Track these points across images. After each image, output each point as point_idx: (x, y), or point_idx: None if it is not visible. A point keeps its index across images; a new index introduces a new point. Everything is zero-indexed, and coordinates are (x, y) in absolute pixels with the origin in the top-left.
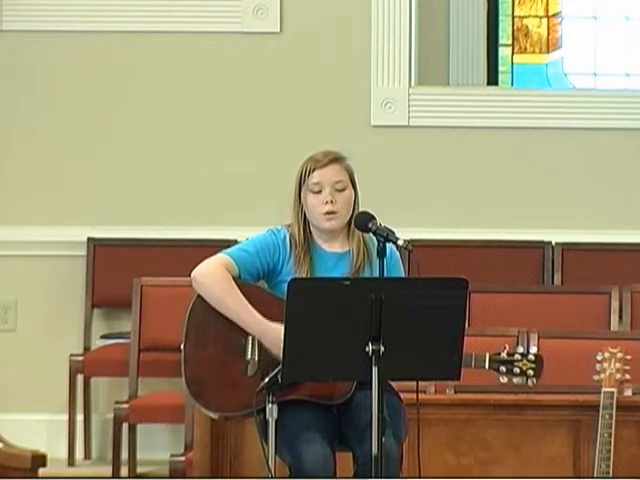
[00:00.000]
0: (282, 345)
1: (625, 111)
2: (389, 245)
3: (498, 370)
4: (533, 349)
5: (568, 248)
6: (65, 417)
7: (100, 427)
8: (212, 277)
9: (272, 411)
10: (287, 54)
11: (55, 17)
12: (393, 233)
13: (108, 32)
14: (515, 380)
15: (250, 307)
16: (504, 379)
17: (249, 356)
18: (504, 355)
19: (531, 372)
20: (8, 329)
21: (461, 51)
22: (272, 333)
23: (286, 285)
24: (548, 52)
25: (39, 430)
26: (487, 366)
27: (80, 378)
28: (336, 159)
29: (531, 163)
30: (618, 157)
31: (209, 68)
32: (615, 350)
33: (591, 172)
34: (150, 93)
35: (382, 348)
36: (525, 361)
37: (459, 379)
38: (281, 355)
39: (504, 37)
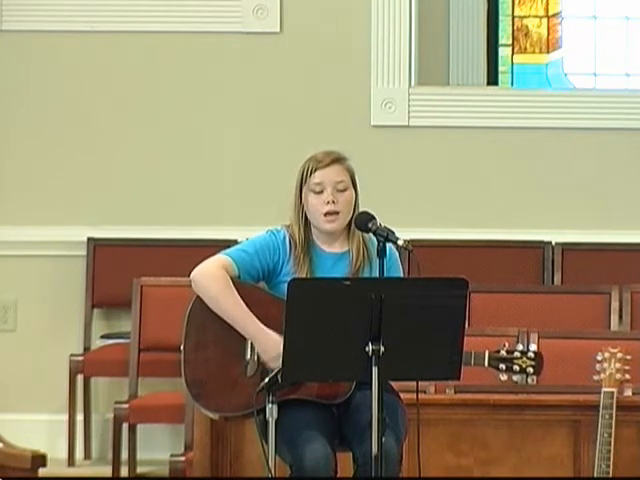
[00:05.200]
0: (274, 353)
1: (625, 111)
2: (388, 245)
3: (497, 368)
4: (533, 346)
5: (568, 248)
6: (65, 417)
7: (100, 427)
8: (210, 278)
9: (272, 411)
10: (287, 54)
11: (55, 17)
12: (393, 233)
13: (108, 32)
14: (515, 378)
15: (247, 309)
16: (504, 377)
17: (248, 356)
18: (503, 353)
19: (531, 369)
20: (8, 329)
21: (461, 51)
22: (267, 339)
23: (286, 285)
24: (548, 52)
25: (39, 430)
26: (486, 364)
27: (80, 378)
28: (338, 159)
29: (531, 163)
30: (618, 157)
31: (209, 68)
32: (615, 350)
33: (591, 172)
34: (150, 93)
35: (382, 348)
36: (525, 358)
37: (459, 379)
38: (269, 363)
39: (504, 37)
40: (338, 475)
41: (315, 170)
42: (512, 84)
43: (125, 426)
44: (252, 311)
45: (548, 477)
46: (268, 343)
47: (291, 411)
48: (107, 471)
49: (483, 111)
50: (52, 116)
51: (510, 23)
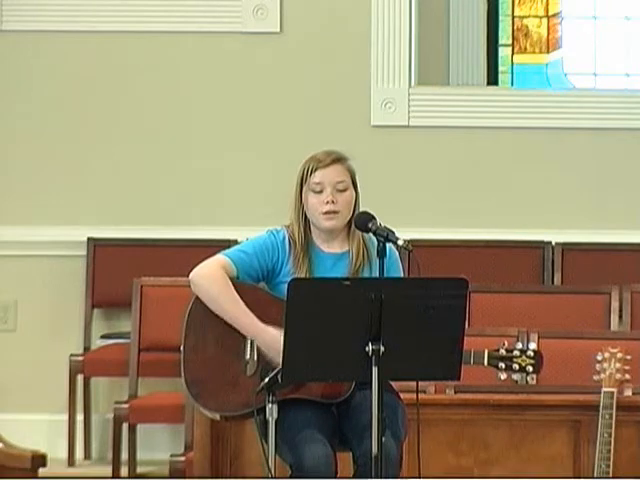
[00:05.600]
0: (278, 348)
1: (625, 111)
2: (388, 245)
3: (497, 366)
4: (532, 345)
5: (568, 248)
6: (65, 417)
7: (100, 427)
8: (209, 278)
9: (272, 411)
10: (287, 54)
11: (55, 17)
12: (393, 233)
13: (108, 32)
14: (514, 376)
15: (246, 309)
16: (503, 375)
17: (248, 356)
18: (502, 351)
19: (530, 368)
20: (8, 329)
21: (461, 51)
22: (267, 336)
23: (286, 285)
24: (548, 52)
25: (39, 430)
26: (486, 362)
27: (80, 378)
28: (338, 159)
29: (531, 163)
30: (618, 157)
31: (209, 68)
32: (615, 350)
33: (591, 172)
34: (150, 93)
35: (382, 348)
36: (524, 357)
37: (459, 379)
38: (275, 359)
39: (504, 37)
40: (338, 475)
41: (315, 170)
42: (512, 84)
43: (125, 426)
44: (252, 311)
45: (548, 477)
46: (270, 340)
47: (291, 411)
48: (107, 471)
49: (483, 111)
50: (52, 116)
51: (510, 23)
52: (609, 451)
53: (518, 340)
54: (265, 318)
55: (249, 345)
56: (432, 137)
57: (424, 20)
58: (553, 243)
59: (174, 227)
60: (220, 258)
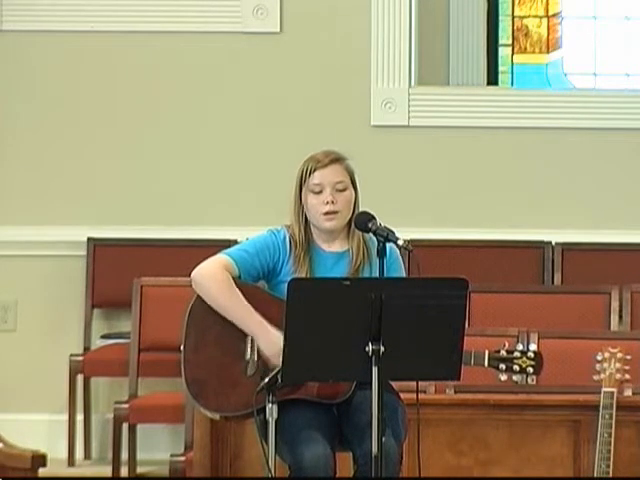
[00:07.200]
0: (276, 349)
1: (625, 111)
2: (388, 244)
3: (497, 368)
4: (532, 346)
5: (568, 248)
6: (65, 417)
7: (100, 427)
8: (211, 278)
9: (272, 411)
10: (287, 54)
11: (55, 17)
12: (393, 233)
13: (108, 32)
14: (515, 377)
15: (249, 307)
16: (504, 377)
17: (248, 356)
18: (503, 353)
19: (530, 369)
20: (8, 329)
21: (461, 51)
22: (268, 336)
23: (286, 285)
24: (548, 52)
25: (39, 430)
26: (486, 364)
27: (80, 378)
28: (337, 159)
29: (531, 163)
30: (618, 157)
31: (209, 68)
32: (615, 350)
33: (591, 172)
34: (150, 93)
35: (382, 348)
36: (525, 358)
37: (459, 379)
38: (272, 359)
39: (504, 37)
40: (338, 475)
41: (314, 170)
42: (512, 84)
43: (125, 426)
44: None
45: (548, 477)
46: (270, 340)
47: (291, 411)
48: (107, 471)
49: (483, 111)
50: (52, 116)
51: (510, 23)
52: (609, 451)
53: (518, 341)
54: (266, 318)
55: (249, 345)
56: (432, 137)
57: (424, 20)
58: (553, 243)
59: (174, 227)
60: (221, 257)
